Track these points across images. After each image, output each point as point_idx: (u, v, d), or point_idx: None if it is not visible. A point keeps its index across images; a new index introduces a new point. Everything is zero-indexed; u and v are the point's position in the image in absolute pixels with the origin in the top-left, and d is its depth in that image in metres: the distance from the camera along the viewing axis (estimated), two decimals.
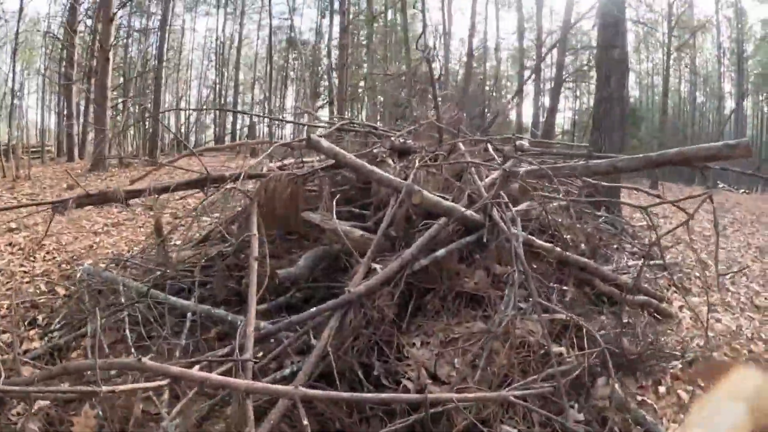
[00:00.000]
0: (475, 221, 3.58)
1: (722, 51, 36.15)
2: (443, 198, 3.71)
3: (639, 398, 4.15)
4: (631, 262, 6.25)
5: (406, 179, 3.77)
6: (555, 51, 27.47)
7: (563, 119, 38.74)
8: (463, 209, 3.53)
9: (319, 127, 6.33)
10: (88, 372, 3.13)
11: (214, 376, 2.64)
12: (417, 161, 4.17)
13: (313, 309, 3.21)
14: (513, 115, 30.62)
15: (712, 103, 37.70)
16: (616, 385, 3.40)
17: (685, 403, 4.33)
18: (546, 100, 30.86)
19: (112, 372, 3.23)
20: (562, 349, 3.07)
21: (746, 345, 5.94)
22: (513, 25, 37.68)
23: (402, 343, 3.08)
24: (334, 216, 3.71)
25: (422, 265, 3.34)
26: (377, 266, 3.24)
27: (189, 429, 2.71)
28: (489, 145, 4.67)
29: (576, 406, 2.99)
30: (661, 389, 4.34)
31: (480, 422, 2.68)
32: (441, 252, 3.37)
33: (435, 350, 2.96)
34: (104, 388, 2.54)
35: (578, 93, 36.65)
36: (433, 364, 2.88)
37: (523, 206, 3.96)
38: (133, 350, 3.49)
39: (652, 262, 6.30)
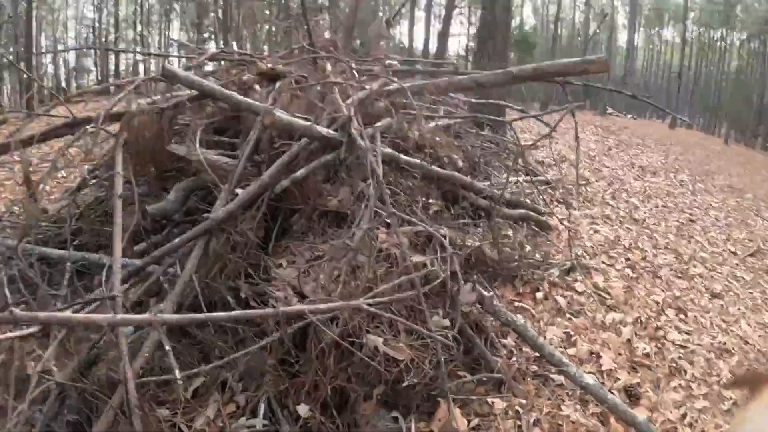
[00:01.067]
0: (335, 140, 3.59)
1: None
2: (305, 119, 3.68)
3: (517, 304, 4.36)
4: (512, 178, 6.49)
5: (274, 104, 3.72)
6: None
7: (458, 44, 39.03)
8: (319, 128, 3.52)
9: (195, 58, 6.11)
10: None
11: (78, 315, 2.62)
12: (281, 85, 4.12)
13: (176, 240, 3.19)
14: (406, 41, 30.61)
15: (605, 34, 38.88)
16: (485, 292, 3.55)
17: (562, 308, 4.60)
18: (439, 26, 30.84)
19: None
20: (425, 259, 3.17)
21: (623, 254, 6.32)
22: None
23: (269, 264, 3.10)
24: (198, 145, 3.62)
25: (284, 187, 3.35)
26: (239, 191, 3.21)
27: (68, 376, 2.65)
28: (353, 65, 4.65)
29: (441, 312, 3.12)
30: (539, 295, 4.57)
31: (347, 335, 2.77)
32: (301, 172, 3.37)
33: (301, 268, 2.99)
34: None
35: (473, 19, 36.79)
36: (298, 282, 2.92)
37: (383, 123, 3.99)
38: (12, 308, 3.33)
39: (532, 178, 6.54)
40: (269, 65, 4.51)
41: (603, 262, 5.85)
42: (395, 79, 4.54)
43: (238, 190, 3.23)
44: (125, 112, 4.32)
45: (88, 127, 4.28)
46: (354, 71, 4.48)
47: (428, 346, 2.90)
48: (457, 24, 35.04)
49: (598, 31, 36.21)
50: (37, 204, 4.91)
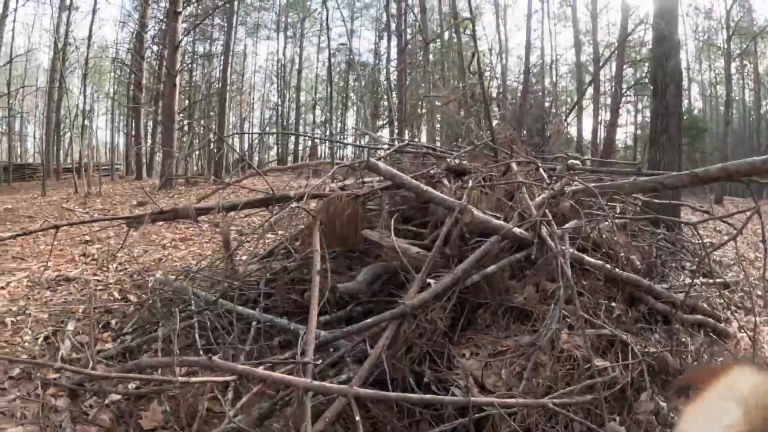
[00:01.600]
0: (525, 239, 3.76)
1: None
2: (495, 217, 3.90)
3: None
4: (689, 281, 6.22)
5: (460, 199, 3.97)
6: (614, 65, 27.14)
7: (625, 134, 38.03)
8: (512, 227, 3.72)
9: (379, 148, 6.60)
10: (159, 370, 3.49)
11: (275, 374, 2.91)
12: (471, 182, 4.37)
13: (369, 319, 3.46)
14: (574, 132, 30.46)
15: None
16: (662, 402, 3.48)
17: None
18: (606, 115, 30.39)
19: (182, 371, 3.52)
20: (607, 363, 3.20)
21: None
22: (570, 40, 37.40)
23: (453, 353, 3.28)
24: (392, 233, 3.94)
25: (474, 281, 3.55)
26: (431, 281, 3.44)
27: (251, 424, 2.95)
28: (539, 164, 4.84)
29: (618, 419, 3.11)
30: None
31: (523, 430, 2.85)
32: (491, 268, 3.57)
33: (483, 361, 3.14)
34: (180, 379, 2.90)
35: (640, 107, 35.81)
36: (481, 374, 3.06)
37: (571, 224, 4.10)
38: (201, 353, 3.76)
39: (713, 281, 6.23)
40: (456, 161, 4.81)
41: None
42: (579, 179, 4.66)
43: (431, 280, 3.47)
44: (323, 194, 4.78)
45: (292, 204, 4.77)
46: (542, 171, 4.67)
47: None
48: (624, 112, 34.39)
49: None
50: (233, 265, 5.49)
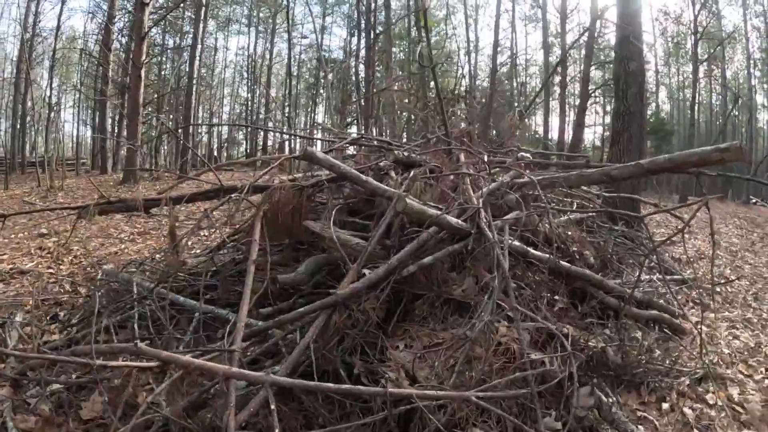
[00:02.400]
0: (464, 230, 3.67)
1: (752, 62, 35.13)
2: (437, 208, 3.81)
3: (640, 414, 4.08)
4: (645, 276, 6.22)
5: (407, 191, 3.89)
6: (582, 66, 27.40)
7: (594, 134, 38.44)
8: (445, 215, 3.63)
9: (337, 141, 6.54)
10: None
11: (197, 360, 2.81)
12: (415, 173, 4.30)
13: (302, 309, 3.40)
14: (541, 131, 30.67)
15: (744, 115, 36.76)
16: (605, 397, 3.40)
17: (690, 421, 4.25)
18: (574, 116, 30.67)
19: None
20: (543, 357, 3.12)
21: (764, 363, 5.80)
22: (539, 41, 37.79)
23: (385, 345, 3.19)
24: (332, 224, 3.86)
25: (411, 272, 3.46)
26: (366, 271, 3.36)
27: (177, 413, 2.85)
28: (485, 157, 4.77)
29: (554, 413, 3.03)
30: (665, 406, 4.23)
31: (453, 425, 2.76)
32: (428, 259, 3.49)
33: (416, 353, 3.05)
34: (98, 362, 2.86)
35: (608, 108, 36.13)
36: (413, 366, 2.97)
37: (511, 215, 4.03)
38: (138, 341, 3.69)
39: (663, 276, 6.23)
40: (405, 153, 4.73)
41: (740, 372, 5.39)
42: (526, 172, 4.61)
43: (366, 270, 3.38)
44: (268, 186, 4.68)
45: (233, 195, 4.68)
46: (486, 163, 4.60)
47: None
48: (592, 113, 34.81)
49: (736, 113, 34.33)
50: (178, 256, 5.39)
